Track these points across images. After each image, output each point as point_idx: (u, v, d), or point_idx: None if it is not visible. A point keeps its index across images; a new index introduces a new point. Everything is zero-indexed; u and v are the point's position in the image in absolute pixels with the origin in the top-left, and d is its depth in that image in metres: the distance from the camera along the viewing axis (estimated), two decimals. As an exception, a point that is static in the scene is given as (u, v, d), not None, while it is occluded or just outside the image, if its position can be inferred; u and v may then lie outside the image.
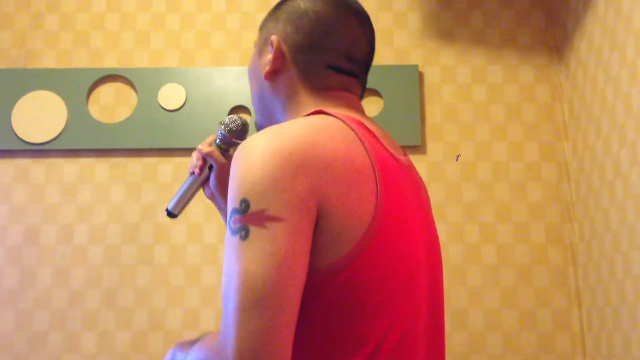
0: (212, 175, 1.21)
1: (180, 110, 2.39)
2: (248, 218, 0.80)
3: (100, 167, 2.37)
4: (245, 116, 2.35)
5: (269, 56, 1.04)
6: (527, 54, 2.44)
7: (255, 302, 0.76)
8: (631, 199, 1.88)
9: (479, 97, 2.41)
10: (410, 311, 0.89)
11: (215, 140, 1.24)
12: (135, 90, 2.43)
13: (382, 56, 2.44)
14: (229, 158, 1.22)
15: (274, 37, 1.03)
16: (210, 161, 1.20)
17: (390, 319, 0.86)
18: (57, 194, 2.35)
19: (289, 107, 1.03)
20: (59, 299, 2.27)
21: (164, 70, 2.41)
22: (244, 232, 0.79)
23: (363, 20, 1.04)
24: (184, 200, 1.24)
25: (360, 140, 0.91)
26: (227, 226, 0.82)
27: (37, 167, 2.37)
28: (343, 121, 0.93)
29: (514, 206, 2.32)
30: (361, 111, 1.03)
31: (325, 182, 0.84)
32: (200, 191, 2.34)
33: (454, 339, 2.23)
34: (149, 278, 2.28)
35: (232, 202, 0.82)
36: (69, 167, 2.37)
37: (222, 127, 1.23)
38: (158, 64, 2.44)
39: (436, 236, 1.02)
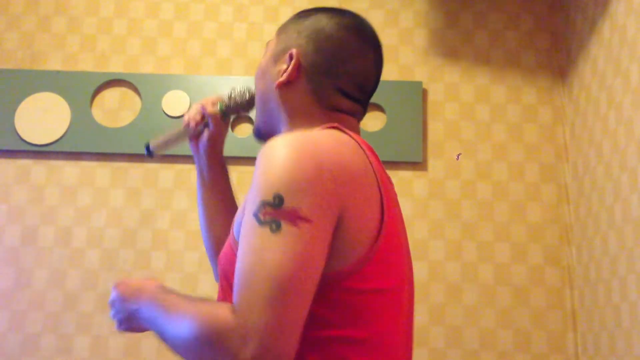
0: (206, 134, 1.26)
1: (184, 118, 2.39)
2: (281, 213, 0.84)
3: (101, 171, 2.37)
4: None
5: (284, 66, 1.07)
6: (530, 75, 2.45)
7: (282, 293, 0.81)
8: (630, 224, 1.88)
9: (481, 116, 2.41)
10: (398, 318, 0.96)
11: (220, 103, 1.26)
12: (140, 96, 2.43)
13: (387, 72, 2.45)
14: (226, 123, 1.26)
15: (294, 51, 1.05)
16: (209, 121, 1.24)
17: (386, 326, 0.92)
18: (56, 196, 2.35)
19: (296, 118, 1.06)
20: (54, 302, 2.26)
21: (169, 77, 2.42)
22: (274, 226, 0.84)
23: (378, 52, 1.09)
24: (168, 145, 1.29)
25: (370, 161, 0.97)
26: (252, 214, 0.86)
27: (38, 168, 2.37)
28: (356, 142, 0.98)
29: (512, 226, 2.33)
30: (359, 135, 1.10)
31: (347, 193, 0.90)
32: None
33: (448, 357, 2.22)
34: (145, 284, 2.27)
35: (263, 193, 0.86)
36: (70, 170, 2.37)
37: (232, 96, 1.26)
38: (163, 70, 2.45)
39: (408, 245, 1.10)
